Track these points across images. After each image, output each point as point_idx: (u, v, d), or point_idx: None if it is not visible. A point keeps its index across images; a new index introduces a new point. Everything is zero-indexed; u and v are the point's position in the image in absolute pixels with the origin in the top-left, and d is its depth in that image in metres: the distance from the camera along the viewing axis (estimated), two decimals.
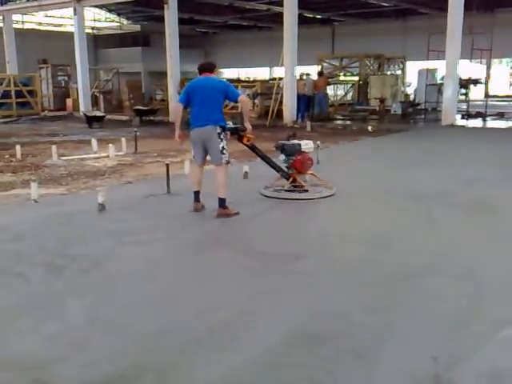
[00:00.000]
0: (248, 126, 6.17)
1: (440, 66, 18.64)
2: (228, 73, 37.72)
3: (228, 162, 6.01)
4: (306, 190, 6.86)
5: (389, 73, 24.15)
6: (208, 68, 6.15)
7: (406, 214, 6.05)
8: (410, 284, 4.02)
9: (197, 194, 6.15)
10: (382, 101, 19.51)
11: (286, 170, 6.97)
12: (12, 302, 3.71)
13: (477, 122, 17.39)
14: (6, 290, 3.93)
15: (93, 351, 3.05)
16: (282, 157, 6.94)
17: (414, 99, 20.75)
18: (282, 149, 6.95)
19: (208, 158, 6.11)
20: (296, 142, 7.04)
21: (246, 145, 6.47)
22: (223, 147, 5.89)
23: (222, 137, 5.90)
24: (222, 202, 5.92)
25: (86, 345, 3.12)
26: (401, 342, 3.16)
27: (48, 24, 34.52)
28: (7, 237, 5.21)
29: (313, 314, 3.53)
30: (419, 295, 3.82)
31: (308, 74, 19.33)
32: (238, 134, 6.29)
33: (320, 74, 20.56)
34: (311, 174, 7.14)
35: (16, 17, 27.62)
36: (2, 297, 3.81)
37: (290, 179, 6.92)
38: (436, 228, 5.55)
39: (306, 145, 7.05)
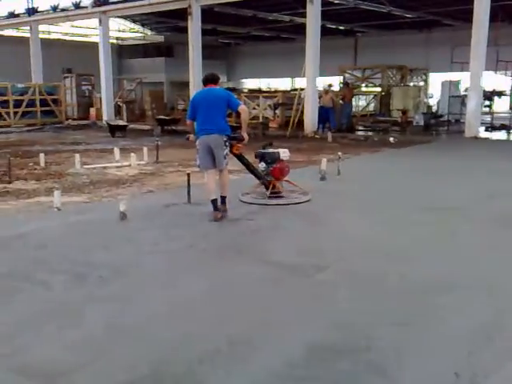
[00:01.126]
0: (245, 135, 6.49)
1: (464, 78, 18.49)
2: (249, 83, 37.90)
3: (227, 164, 6.44)
4: (282, 196, 7.13)
5: (411, 84, 24.04)
6: (212, 79, 6.48)
7: (426, 227, 5.97)
8: (431, 297, 3.96)
9: (215, 202, 6.27)
10: (404, 112, 19.40)
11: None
12: (34, 309, 3.75)
13: (501, 135, 17.17)
14: (29, 296, 3.97)
15: (113, 359, 3.07)
16: (263, 165, 7.18)
17: (437, 111, 20.59)
18: (261, 157, 7.22)
19: None
20: (275, 150, 7.32)
21: (234, 154, 6.68)
22: (226, 153, 6.37)
23: (227, 144, 6.35)
24: (224, 199, 6.41)
25: (106, 352, 3.13)
26: (422, 357, 3.11)
27: (73, 34, 35.14)
28: (30, 244, 5.28)
29: (332, 327, 3.50)
30: (440, 309, 3.76)
31: (330, 86, 19.47)
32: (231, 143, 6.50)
33: (347, 84, 20.64)
34: (286, 180, 7.39)
35: (43, 27, 28.15)
36: (25, 303, 3.85)
37: (270, 186, 7.13)
38: (457, 241, 5.47)
39: (284, 153, 7.33)
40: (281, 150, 7.33)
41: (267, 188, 7.13)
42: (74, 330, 3.43)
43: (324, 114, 17.79)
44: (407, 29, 28.61)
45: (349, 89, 19.98)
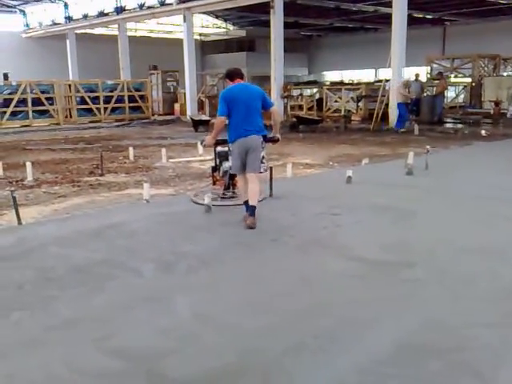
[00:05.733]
0: (278, 136, 6.22)
1: None
2: (330, 75, 37.49)
3: (265, 171, 6.06)
4: (235, 196, 6.75)
5: (505, 74, 22.81)
6: (241, 74, 5.98)
7: None
8: None
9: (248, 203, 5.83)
10: (497, 104, 18.46)
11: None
12: (127, 295, 3.91)
13: None
14: (122, 283, 4.15)
15: (201, 346, 3.13)
16: (227, 164, 6.67)
17: None
18: (226, 157, 6.70)
19: None
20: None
21: None
22: (263, 156, 5.87)
23: (263, 146, 5.86)
24: (254, 210, 5.68)
25: (194, 339, 3.21)
26: None
27: (159, 31, 36.29)
28: (122, 233, 5.51)
29: (422, 325, 3.38)
30: None
31: (417, 76, 19.17)
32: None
33: (441, 74, 20.13)
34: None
35: (130, 25, 29.26)
36: (118, 289, 4.03)
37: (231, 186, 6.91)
38: None
39: None
40: None
41: (228, 187, 6.90)
42: (164, 316, 3.54)
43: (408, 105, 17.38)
44: (501, 15, 27.08)
45: (443, 80, 19.41)
